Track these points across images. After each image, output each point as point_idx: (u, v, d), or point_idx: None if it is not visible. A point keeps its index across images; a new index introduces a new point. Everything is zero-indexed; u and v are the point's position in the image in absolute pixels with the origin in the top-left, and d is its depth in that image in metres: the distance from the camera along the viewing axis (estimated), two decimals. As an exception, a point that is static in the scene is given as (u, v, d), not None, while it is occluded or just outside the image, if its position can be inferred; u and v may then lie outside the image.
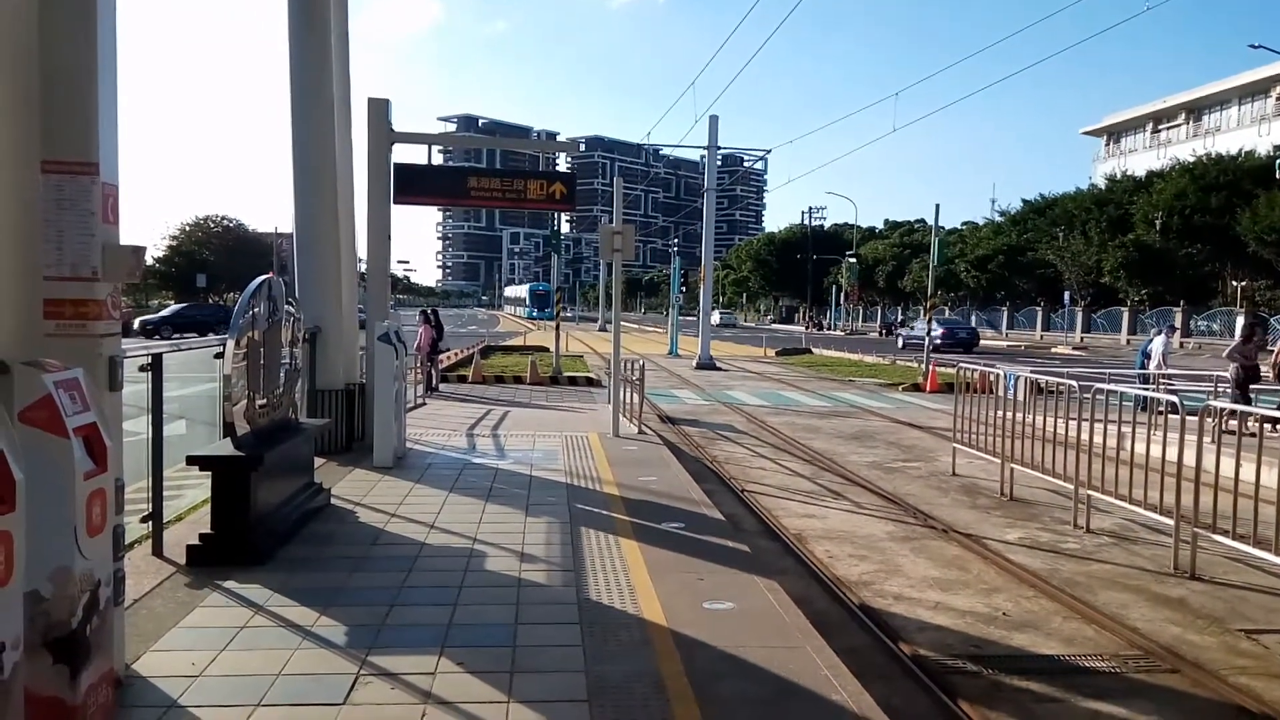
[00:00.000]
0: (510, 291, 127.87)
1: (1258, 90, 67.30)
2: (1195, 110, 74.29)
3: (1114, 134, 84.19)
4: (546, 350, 28.25)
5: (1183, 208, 49.85)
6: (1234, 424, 8.23)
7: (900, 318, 73.03)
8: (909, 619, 5.99)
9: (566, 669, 4.37)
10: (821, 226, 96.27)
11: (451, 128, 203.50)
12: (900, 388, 22.89)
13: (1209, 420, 7.39)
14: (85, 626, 3.46)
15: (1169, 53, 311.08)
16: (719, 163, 31.49)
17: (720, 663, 4.49)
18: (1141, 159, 73.17)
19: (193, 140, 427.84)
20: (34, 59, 3.88)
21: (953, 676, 5.03)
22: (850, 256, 72.14)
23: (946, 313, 65.32)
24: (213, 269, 67.32)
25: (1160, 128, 78.11)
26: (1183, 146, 68.47)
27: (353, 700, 4.00)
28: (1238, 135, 64.53)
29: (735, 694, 4.15)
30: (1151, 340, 17.75)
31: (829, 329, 73.34)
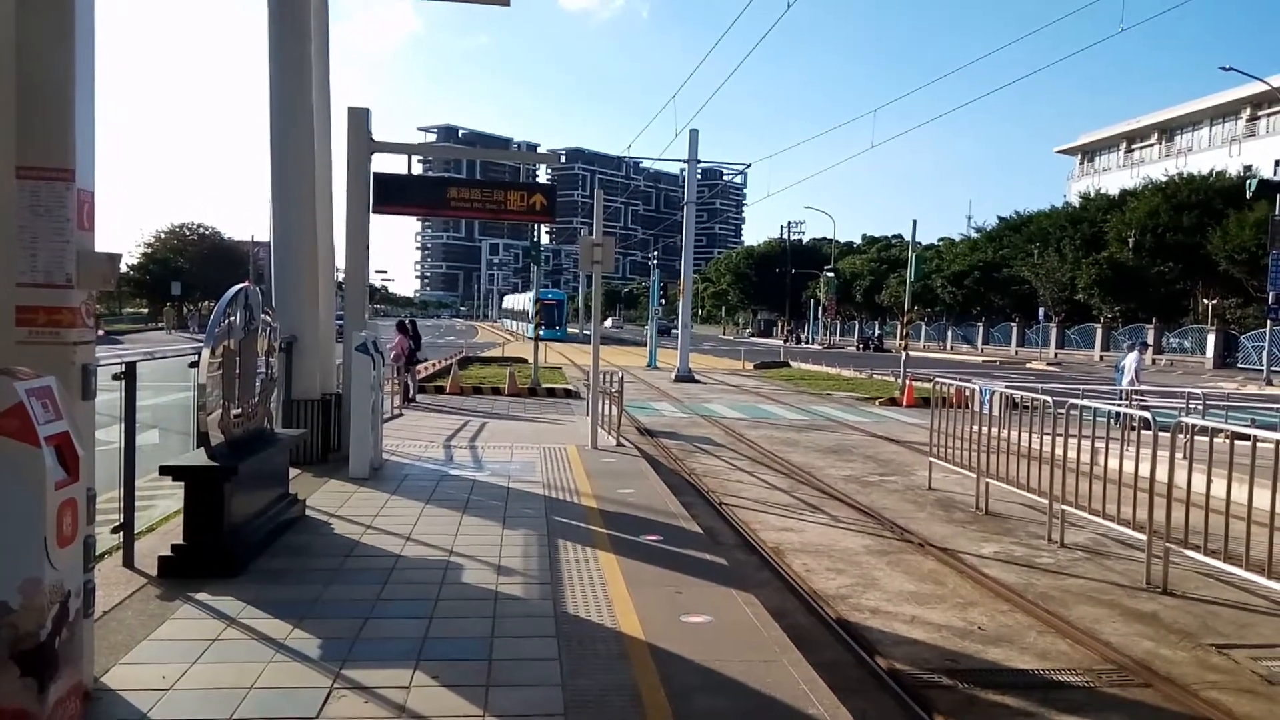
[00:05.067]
0: (510, 302, 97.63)
1: (1229, 111, 68.42)
2: (1168, 130, 75.40)
3: (1088, 153, 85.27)
4: (525, 362, 28.20)
5: (1155, 226, 50.54)
6: None
7: (877, 332, 73.58)
8: (885, 633, 6.00)
9: (543, 683, 4.34)
10: (800, 241, 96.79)
11: (431, 138, 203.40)
12: (877, 402, 23.01)
13: (1180, 436, 7.47)
14: (54, 638, 3.41)
15: (1143, 74, 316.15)
16: (699, 176, 31.63)
17: (697, 676, 4.48)
18: (1115, 178, 74.13)
19: (170, 147, 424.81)
20: (10, 64, 3.84)
21: (928, 690, 5.05)
22: (828, 271, 72.65)
23: (923, 328, 67.91)
24: (188, 277, 66.74)
25: (1133, 147, 79.20)
26: (1155, 166, 69.45)
27: (326, 714, 3.95)
28: (1209, 155, 65.54)
29: (712, 708, 4.14)
30: (1125, 356, 18.00)
31: (807, 343, 73.67)
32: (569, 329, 70.51)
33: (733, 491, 10.80)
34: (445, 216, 15.20)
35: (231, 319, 6.33)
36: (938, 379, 11.88)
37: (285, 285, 10.54)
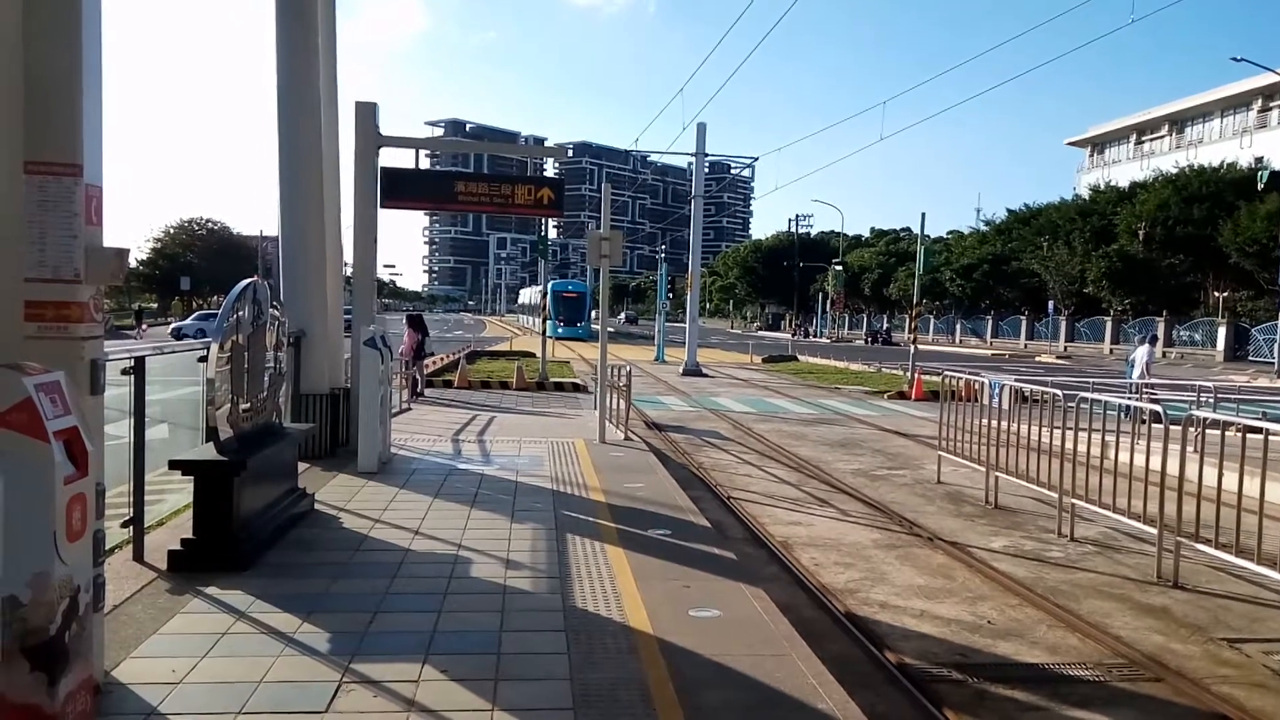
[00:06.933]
0: (527, 296, 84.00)
1: (1239, 103, 67.99)
2: (1178, 122, 74.96)
3: (1098, 145, 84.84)
4: (533, 356, 28.21)
5: (1165, 218, 50.29)
6: None
7: (886, 325, 73.44)
8: (895, 627, 5.99)
9: (552, 676, 4.34)
10: (808, 234, 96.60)
11: (439, 132, 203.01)
12: (886, 395, 22.96)
13: (1191, 429, 7.43)
14: (64, 633, 3.41)
15: (1153, 65, 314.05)
16: (706, 170, 31.58)
17: (706, 671, 4.47)
18: (1125, 170, 73.75)
19: (178, 142, 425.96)
20: (18, 60, 3.84)
21: (938, 685, 5.04)
22: (836, 264, 72.48)
23: (932, 321, 67.81)
24: (197, 272, 66.97)
25: (1144, 139, 78.76)
26: (1166, 158, 69.05)
27: (335, 708, 3.96)
28: (1220, 147, 65.16)
29: (721, 702, 4.13)
30: (1137, 349, 17.93)
31: (815, 336, 73.53)
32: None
33: (741, 485, 10.79)
34: (453, 211, 15.21)
35: (240, 313, 6.33)
36: (946, 372, 11.85)
37: (293, 279, 10.56)
